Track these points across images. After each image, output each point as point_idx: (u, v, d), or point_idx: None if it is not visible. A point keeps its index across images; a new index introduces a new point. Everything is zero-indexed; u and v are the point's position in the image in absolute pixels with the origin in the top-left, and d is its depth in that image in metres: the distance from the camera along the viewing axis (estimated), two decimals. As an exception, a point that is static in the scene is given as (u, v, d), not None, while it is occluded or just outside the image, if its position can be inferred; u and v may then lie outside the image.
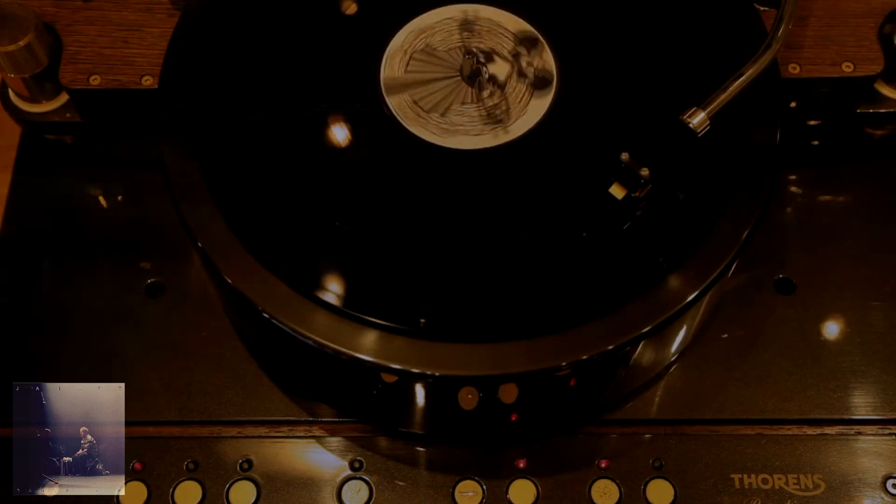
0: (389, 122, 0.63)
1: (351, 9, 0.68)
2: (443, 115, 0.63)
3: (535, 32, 0.66)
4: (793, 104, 0.71)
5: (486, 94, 0.64)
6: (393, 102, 0.64)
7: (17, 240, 0.70)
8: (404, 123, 0.63)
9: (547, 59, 0.65)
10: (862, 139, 0.73)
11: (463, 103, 0.64)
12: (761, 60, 0.61)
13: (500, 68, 0.65)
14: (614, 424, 0.64)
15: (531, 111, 0.63)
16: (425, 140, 0.62)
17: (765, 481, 0.62)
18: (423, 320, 0.57)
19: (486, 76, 0.64)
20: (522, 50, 0.65)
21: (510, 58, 0.65)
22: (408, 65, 0.65)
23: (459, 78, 0.65)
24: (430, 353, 0.56)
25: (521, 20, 0.66)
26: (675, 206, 0.60)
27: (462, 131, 0.63)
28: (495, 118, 0.63)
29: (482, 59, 0.65)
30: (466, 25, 0.66)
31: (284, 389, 0.65)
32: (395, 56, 0.65)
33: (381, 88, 0.64)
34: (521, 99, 0.64)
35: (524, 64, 0.65)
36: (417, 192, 0.61)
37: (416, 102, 0.64)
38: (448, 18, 0.67)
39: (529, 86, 0.64)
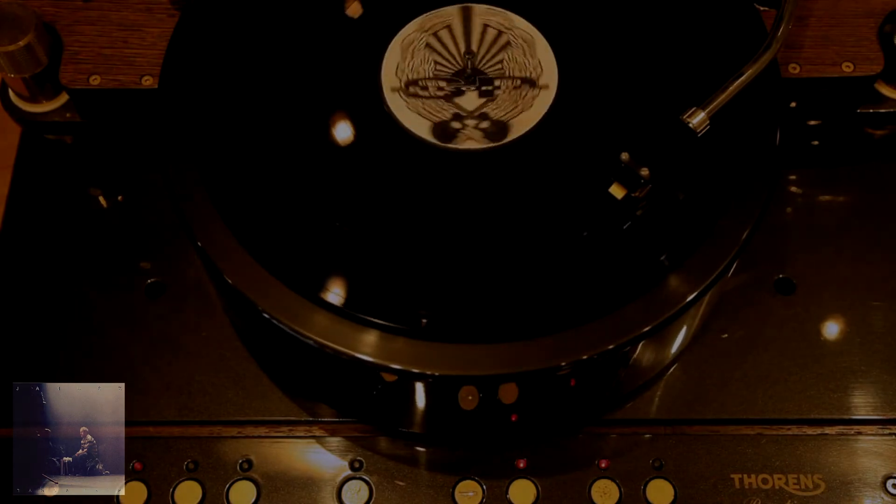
0: (389, 121, 0.63)
1: (351, 9, 0.68)
2: (443, 114, 0.63)
3: (535, 32, 0.66)
4: (793, 104, 0.71)
5: (486, 94, 0.64)
6: (393, 102, 0.64)
7: (17, 240, 0.70)
8: (404, 123, 0.63)
9: (547, 59, 0.65)
10: (862, 139, 0.73)
11: (463, 103, 0.64)
12: (761, 60, 0.61)
13: (500, 68, 0.65)
14: (614, 424, 0.64)
15: (531, 111, 0.63)
16: (425, 140, 0.62)
17: (765, 481, 0.62)
18: (423, 320, 0.57)
19: (486, 75, 0.64)
20: (521, 49, 0.65)
21: (508, 56, 0.65)
22: (408, 64, 0.65)
23: (459, 78, 0.64)
24: (430, 353, 0.56)
25: (521, 20, 0.66)
26: (675, 206, 0.60)
27: (462, 131, 0.63)
28: (495, 118, 0.63)
29: (482, 60, 0.65)
30: (467, 25, 0.66)
31: (284, 389, 0.65)
32: (396, 56, 0.65)
33: (381, 88, 0.64)
34: (521, 99, 0.64)
35: (524, 64, 0.65)
36: (417, 192, 0.61)
37: (415, 102, 0.64)
38: (448, 18, 0.67)
39: (529, 86, 0.64)
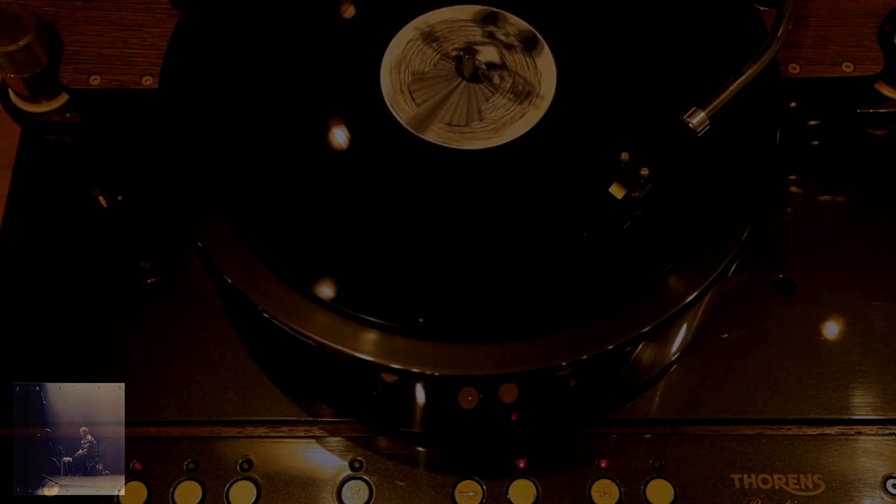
0: (389, 122, 0.63)
1: (351, 9, 0.68)
2: (442, 114, 0.63)
3: (535, 32, 0.66)
4: (793, 104, 0.71)
5: (497, 79, 0.64)
6: (392, 102, 0.64)
7: (17, 240, 0.70)
8: (404, 123, 0.63)
9: (546, 60, 0.65)
10: (862, 139, 0.73)
11: (487, 99, 0.64)
12: (761, 60, 0.61)
13: (488, 54, 0.65)
14: (614, 424, 0.64)
15: (531, 112, 0.63)
16: (425, 140, 0.62)
17: (765, 481, 0.62)
18: (422, 320, 0.57)
19: (483, 66, 0.64)
20: (522, 49, 0.65)
21: (487, 41, 0.65)
22: (408, 64, 0.65)
23: (459, 78, 0.64)
24: (430, 353, 0.56)
25: (520, 20, 0.66)
26: (675, 206, 0.60)
27: (462, 131, 0.63)
28: (522, 93, 0.63)
29: (470, 55, 0.65)
30: (467, 26, 0.66)
31: (284, 389, 0.65)
32: (396, 55, 0.65)
33: (381, 88, 0.64)
34: (527, 66, 0.64)
35: (502, 38, 0.65)
36: (418, 192, 0.61)
37: (415, 102, 0.64)
38: (449, 18, 0.67)
39: (522, 52, 0.64)
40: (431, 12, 0.67)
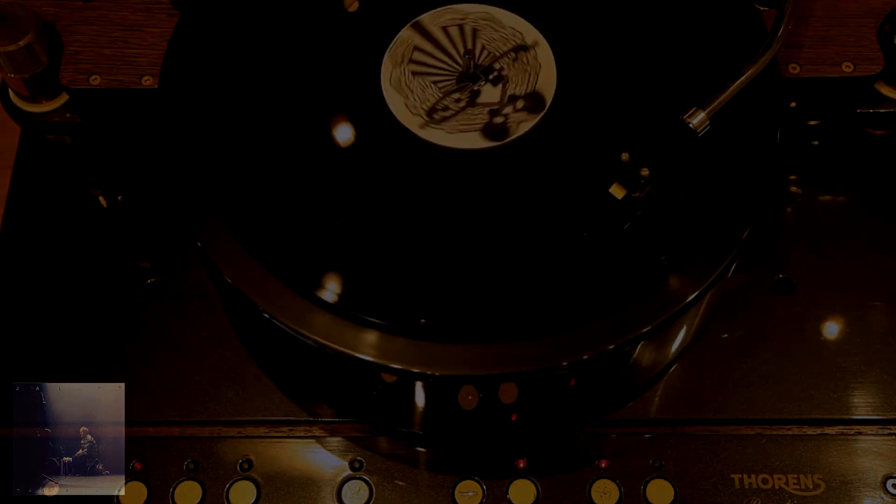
0: (389, 121, 0.63)
1: (351, 8, 0.68)
2: (443, 114, 0.63)
3: (535, 32, 0.66)
4: (793, 104, 0.71)
5: (486, 94, 0.64)
6: (393, 102, 0.64)
7: (17, 240, 0.70)
8: (404, 123, 0.63)
9: (547, 59, 0.65)
10: (862, 139, 0.73)
11: (462, 102, 0.64)
12: (761, 60, 0.61)
13: (499, 66, 0.65)
14: (614, 424, 0.64)
15: (541, 92, 0.63)
16: (425, 140, 0.62)
17: (765, 481, 0.62)
18: (423, 320, 0.57)
19: (486, 75, 0.64)
20: (521, 48, 0.65)
21: (509, 56, 0.65)
22: (408, 64, 0.65)
23: (459, 78, 0.64)
24: (430, 353, 0.56)
25: (520, 19, 0.66)
26: (675, 206, 0.60)
27: (462, 131, 0.63)
28: (495, 118, 0.63)
29: (481, 59, 0.65)
30: (467, 25, 0.66)
31: (284, 389, 0.65)
32: (396, 56, 0.65)
33: (381, 88, 0.64)
34: (522, 98, 0.64)
35: (523, 62, 0.65)
36: (417, 192, 0.61)
37: (415, 102, 0.64)
38: (449, 18, 0.67)
39: (529, 84, 0.64)
40: (482, 5, 0.67)
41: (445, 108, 0.63)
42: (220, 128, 0.63)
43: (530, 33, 0.66)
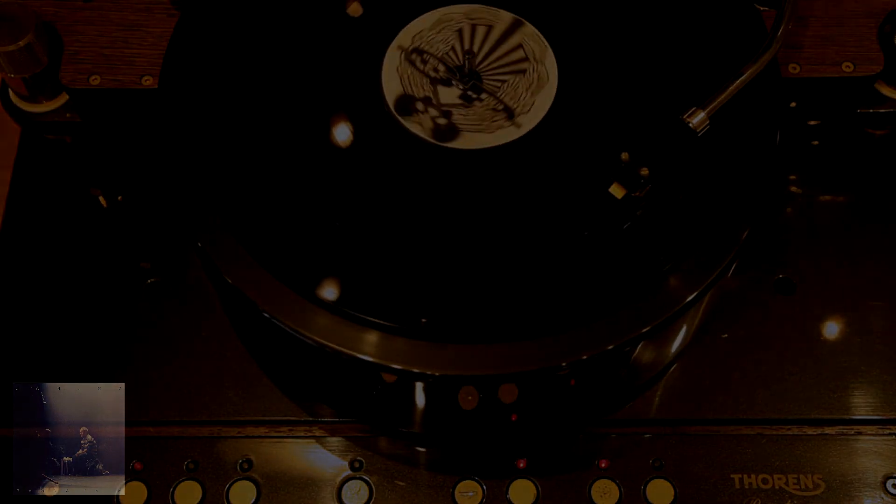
0: (389, 121, 0.63)
1: (351, 9, 0.68)
2: (443, 114, 0.63)
3: (535, 32, 0.66)
4: (793, 104, 0.71)
5: (486, 93, 0.64)
6: (393, 102, 0.64)
7: (17, 240, 0.70)
8: (404, 123, 0.63)
9: (547, 59, 0.65)
10: (862, 139, 0.73)
11: (463, 103, 0.64)
12: (761, 60, 0.61)
13: (499, 68, 0.65)
14: (614, 424, 0.64)
15: (531, 111, 0.63)
16: (425, 140, 0.62)
17: (765, 481, 0.62)
18: (423, 320, 0.57)
19: (486, 76, 0.64)
20: (522, 50, 0.65)
21: (509, 57, 0.65)
22: (408, 64, 0.65)
23: (460, 78, 0.64)
24: (430, 353, 0.56)
25: (520, 20, 0.66)
26: (675, 206, 0.60)
27: (462, 131, 0.63)
28: (495, 118, 0.63)
29: (482, 60, 0.65)
30: (466, 25, 0.66)
31: (284, 389, 0.65)
32: (396, 56, 0.65)
33: (381, 88, 0.64)
34: (521, 99, 0.64)
35: (523, 64, 0.65)
36: (417, 192, 0.61)
37: (415, 102, 0.64)
38: (448, 18, 0.67)
39: (529, 86, 0.64)
40: (481, 6, 0.67)
41: (445, 108, 0.63)
42: (220, 128, 0.63)
43: (531, 33, 0.66)
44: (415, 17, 0.66)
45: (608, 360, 0.60)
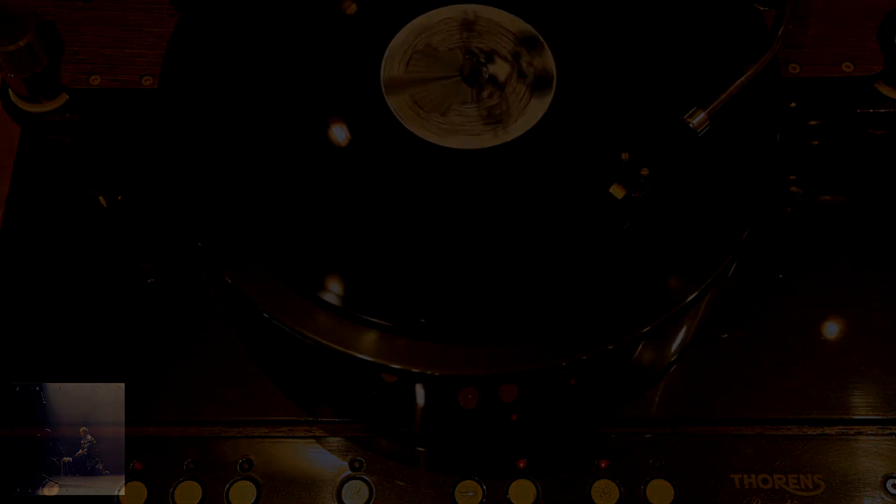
0: (389, 121, 0.63)
1: (351, 8, 0.68)
2: (443, 114, 0.63)
3: (535, 32, 0.66)
4: (793, 104, 0.71)
5: (486, 93, 0.64)
6: (393, 102, 0.64)
7: (17, 240, 0.70)
8: (404, 123, 0.63)
9: (547, 60, 0.65)
10: (862, 139, 0.73)
11: (463, 103, 0.64)
12: (761, 60, 0.61)
13: (499, 68, 0.65)
14: (614, 424, 0.64)
15: (531, 111, 0.63)
16: (425, 140, 0.62)
17: (765, 481, 0.62)
18: (423, 320, 0.57)
19: (486, 76, 0.64)
20: (522, 50, 0.65)
21: (510, 58, 0.65)
22: (408, 65, 0.65)
23: (459, 78, 0.65)
24: (430, 353, 0.56)
25: (520, 20, 0.66)
26: (675, 206, 0.60)
27: (462, 131, 0.63)
28: (495, 118, 0.63)
29: (482, 59, 0.65)
30: (466, 26, 0.66)
31: (284, 389, 0.65)
32: (396, 56, 0.65)
33: (381, 88, 0.64)
34: (521, 99, 0.64)
35: (524, 64, 0.65)
36: (417, 192, 0.61)
37: (416, 102, 0.64)
38: (448, 18, 0.67)
39: (529, 86, 0.64)
40: (481, 6, 0.67)
41: (446, 108, 0.63)
42: (220, 127, 0.63)
43: (531, 34, 0.66)
44: (415, 16, 0.66)
45: (608, 361, 0.60)
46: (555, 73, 0.64)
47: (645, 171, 0.58)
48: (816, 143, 0.73)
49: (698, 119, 0.59)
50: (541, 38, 0.66)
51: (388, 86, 0.64)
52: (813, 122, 0.73)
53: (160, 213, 0.70)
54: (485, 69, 0.64)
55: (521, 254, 0.59)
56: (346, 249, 0.59)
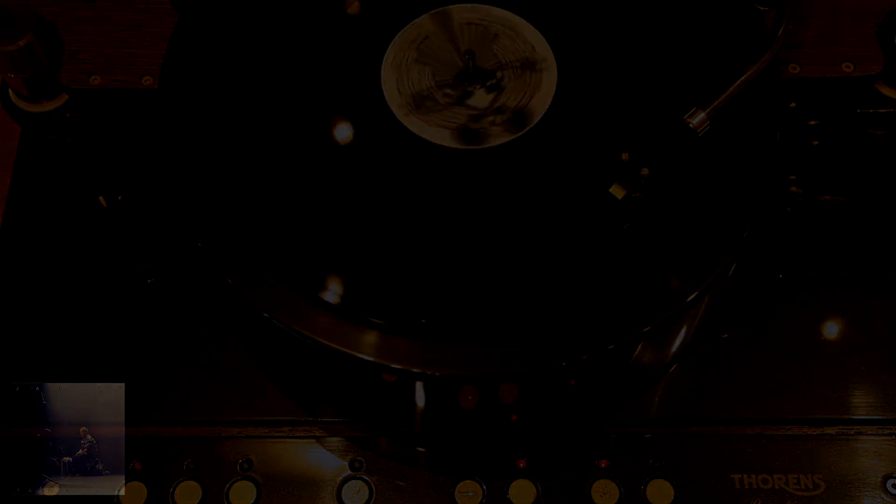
0: (389, 121, 0.63)
1: (351, 9, 0.68)
2: (443, 114, 0.63)
3: (535, 32, 0.66)
4: (793, 104, 0.71)
5: (485, 93, 0.64)
6: (393, 102, 0.64)
7: (17, 240, 0.70)
8: (404, 123, 0.63)
9: (546, 59, 0.65)
10: (862, 139, 0.73)
11: (463, 103, 0.64)
12: (761, 60, 0.61)
13: (499, 68, 0.65)
14: (614, 424, 0.64)
15: (531, 111, 0.63)
16: (425, 140, 0.62)
17: (765, 481, 0.62)
18: (423, 320, 0.57)
19: (486, 76, 0.64)
20: (522, 49, 0.65)
21: (510, 58, 0.65)
22: (409, 64, 0.65)
23: (459, 78, 0.64)
24: (430, 353, 0.56)
25: (520, 20, 0.66)
26: (675, 206, 0.60)
27: (462, 131, 0.63)
28: (495, 118, 0.63)
29: (482, 60, 0.65)
30: (467, 25, 0.66)
31: (284, 389, 0.65)
32: (396, 56, 0.65)
33: (381, 88, 0.64)
34: (521, 99, 0.64)
35: (524, 64, 0.65)
36: (417, 192, 0.61)
37: (416, 102, 0.64)
38: (449, 17, 0.67)
39: (528, 85, 0.64)
40: (482, 6, 0.67)
41: (445, 108, 0.63)
42: (220, 127, 0.63)
43: (530, 32, 0.66)
44: (415, 16, 0.67)
45: (608, 360, 0.60)
46: (555, 72, 0.64)
47: (645, 172, 0.58)
48: (816, 143, 0.73)
49: (698, 119, 0.59)
50: (541, 36, 0.66)
51: (388, 86, 0.64)
52: (813, 122, 0.73)
53: (160, 213, 0.70)
54: (484, 69, 0.64)
55: (521, 254, 0.59)
56: (346, 250, 0.59)
